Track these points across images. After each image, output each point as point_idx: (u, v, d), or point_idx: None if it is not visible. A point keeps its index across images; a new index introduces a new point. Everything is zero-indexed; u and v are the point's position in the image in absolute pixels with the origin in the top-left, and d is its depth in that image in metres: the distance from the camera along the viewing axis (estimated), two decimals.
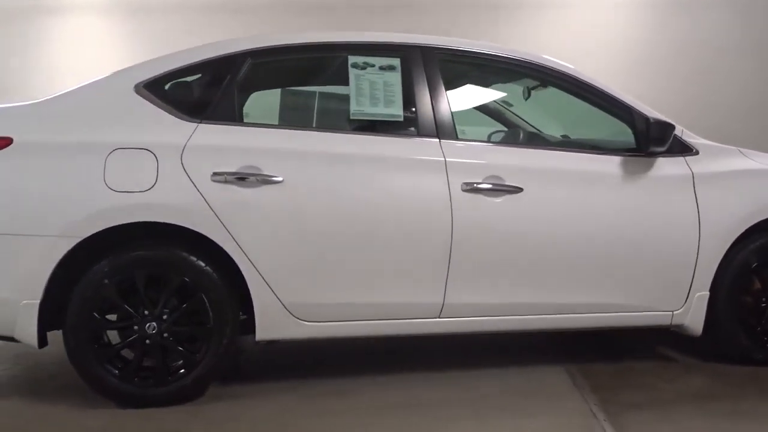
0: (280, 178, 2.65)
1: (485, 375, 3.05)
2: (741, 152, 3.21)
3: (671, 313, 3.03)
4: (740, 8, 6.22)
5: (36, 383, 3.04)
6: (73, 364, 2.59)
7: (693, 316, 3.04)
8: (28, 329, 2.52)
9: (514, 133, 3.57)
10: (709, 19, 6.20)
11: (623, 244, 2.95)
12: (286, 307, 2.69)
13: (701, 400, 2.77)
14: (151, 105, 2.69)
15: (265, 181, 2.64)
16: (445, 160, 2.80)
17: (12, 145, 2.53)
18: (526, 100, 3.47)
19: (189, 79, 2.83)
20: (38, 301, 2.51)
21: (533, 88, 3.40)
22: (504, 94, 3.64)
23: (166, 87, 2.76)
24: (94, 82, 2.77)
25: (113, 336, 2.67)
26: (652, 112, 3.03)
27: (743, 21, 6.18)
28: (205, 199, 2.59)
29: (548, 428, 2.52)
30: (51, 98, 2.72)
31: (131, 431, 2.46)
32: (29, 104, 2.72)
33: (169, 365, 2.64)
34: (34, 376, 3.13)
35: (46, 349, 2.61)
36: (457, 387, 2.89)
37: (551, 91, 3.28)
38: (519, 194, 2.83)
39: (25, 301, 2.51)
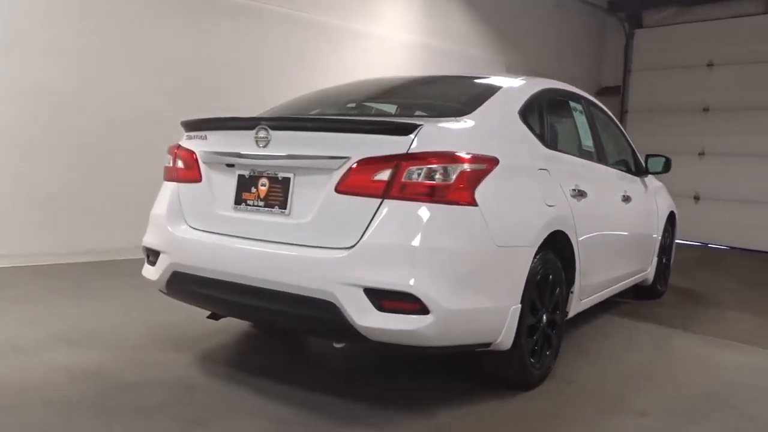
0: (588, 194, 3.52)
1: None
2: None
3: (646, 272, 5.02)
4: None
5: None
6: (510, 358, 2.89)
7: (651, 273, 5.10)
8: (511, 333, 2.77)
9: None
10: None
11: (648, 230, 4.80)
12: (581, 290, 3.56)
13: (690, 319, 4.81)
14: (528, 130, 3.16)
15: (583, 195, 3.47)
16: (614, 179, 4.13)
17: (499, 166, 2.71)
18: None
19: (531, 109, 3.34)
20: (520, 306, 2.80)
21: None
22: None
23: (525, 115, 3.23)
24: (490, 105, 3.03)
25: None
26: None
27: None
28: (571, 211, 3.27)
29: (690, 345, 4.13)
30: (470, 118, 2.89)
31: (581, 405, 2.98)
32: (467, 124, 2.84)
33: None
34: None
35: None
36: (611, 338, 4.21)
37: None
38: (631, 203, 4.36)
39: (514, 307, 2.76)
